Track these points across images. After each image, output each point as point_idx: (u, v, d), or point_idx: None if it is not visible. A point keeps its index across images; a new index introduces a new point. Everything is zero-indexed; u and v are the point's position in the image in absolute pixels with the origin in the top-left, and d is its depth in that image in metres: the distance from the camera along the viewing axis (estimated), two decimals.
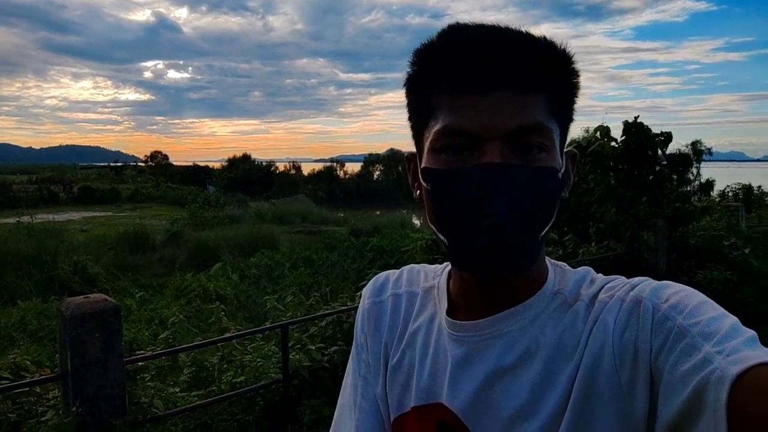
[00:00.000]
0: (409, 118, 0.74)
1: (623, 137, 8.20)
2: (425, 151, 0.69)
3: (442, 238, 0.68)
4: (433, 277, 0.84)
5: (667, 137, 8.15)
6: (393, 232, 16.88)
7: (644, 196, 8.17)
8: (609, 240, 7.93)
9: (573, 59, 0.69)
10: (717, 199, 16.93)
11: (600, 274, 0.74)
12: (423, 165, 0.69)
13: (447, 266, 0.82)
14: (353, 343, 0.89)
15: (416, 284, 0.85)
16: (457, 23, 0.69)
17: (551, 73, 0.66)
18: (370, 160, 59.20)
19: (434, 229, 0.69)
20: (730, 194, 22.39)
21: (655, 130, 8.27)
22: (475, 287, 0.73)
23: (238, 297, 10.43)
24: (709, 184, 27.65)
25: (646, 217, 7.88)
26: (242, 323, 7.95)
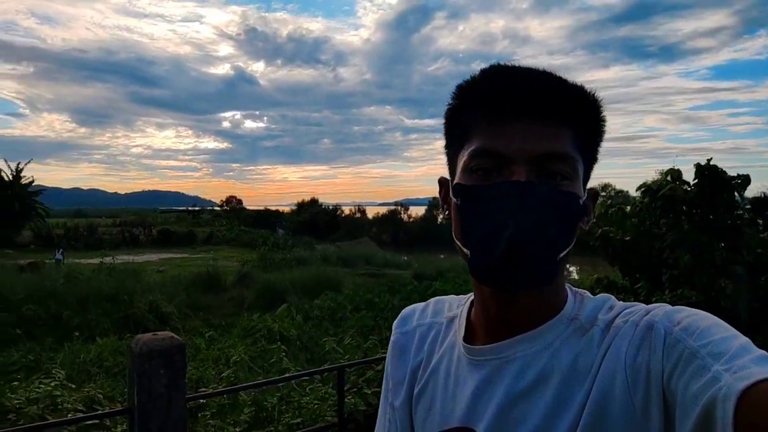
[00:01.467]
0: (445, 146, 0.80)
1: (696, 180, 7.85)
2: (458, 171, 0.74)
3: (465, 251, 0.72)
4: (457, 306, 0.88)
5: (745, 180, 7.72)
6: (456, 277, 16.69)
7: (722, 241, 7.72)
8: (683, 288, 7.51)
9: (601, 105, 0.74)
10: None
11: (620, 302, 0.75)
12: (456, 182, 0.74)
13: (471, 296, 0.86)
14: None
15: (441, 314, 0.89)
16: (498, 63, 0.75)
17: (580, 112, 0.72)
18: (434, 204, 59.22)
19: (458, 244, 0.74)
20: None
21: (738, 171, 7.89)
22: (495, 309, 0.75)
23: (301, 338, 10.57)
24: None
25: (723, 264, 7.42)
26: (304, 364, 8.02)
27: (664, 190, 7.94)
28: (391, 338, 0.93)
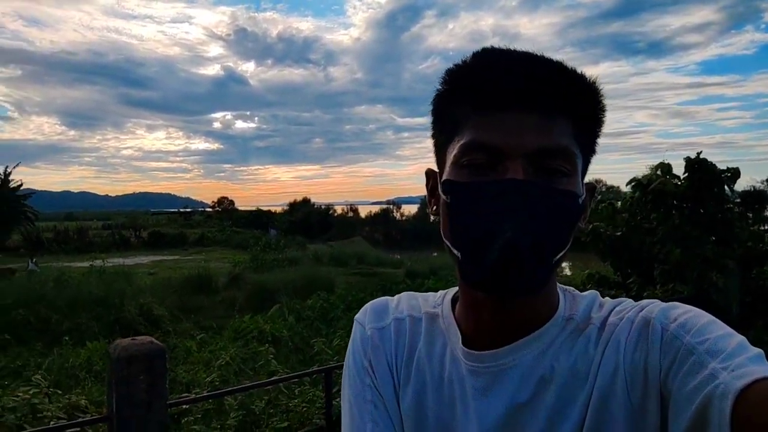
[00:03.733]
0: (433, 135, 0.75)
1: (686, 174, 7.84)
2: (448, 165, 0.69)
3: (455, 252, 0.67)
4: (433, 305, 0.82)
5: (734, 173, 7.71)
6: (449, 274, 16.64)
7: (712, 235, 7.71)
8: (675, 282, 7.50)
9: (601, 93, 0.69)
10: None
11: (607, 298, 0.74)
12: (444, 177, 0.69)
13: (447, 294, 0.82)
14: (348, 373, 0.82)
15: (417, 309, 0.83)
16: (491, 46, 0.70)
17: (579, 101, 0.67)
18: (426, 202, 59.28)
19: (448, 243, 0.69)
20: None
21: (728, 165, 7.88)
22: (489, 314, 0.71)
23: (292, 339, 10.46)
24: None
25: (714, 258, 7.41)
26: (295, 366, 7.93)
27: (655, 185, 7.93)
28: (366, 332, 0.82)
